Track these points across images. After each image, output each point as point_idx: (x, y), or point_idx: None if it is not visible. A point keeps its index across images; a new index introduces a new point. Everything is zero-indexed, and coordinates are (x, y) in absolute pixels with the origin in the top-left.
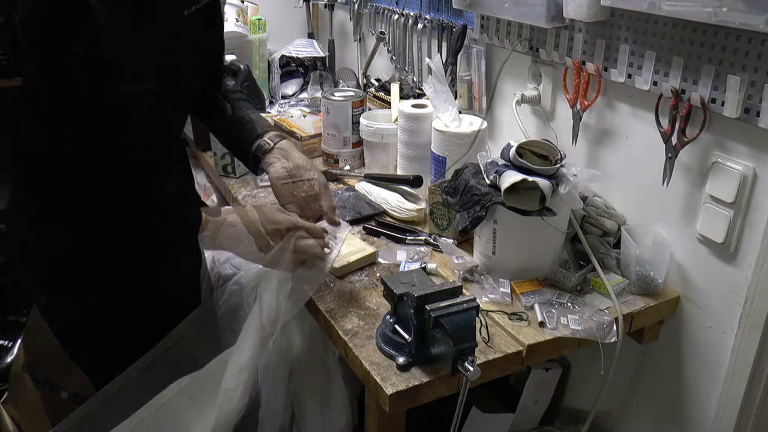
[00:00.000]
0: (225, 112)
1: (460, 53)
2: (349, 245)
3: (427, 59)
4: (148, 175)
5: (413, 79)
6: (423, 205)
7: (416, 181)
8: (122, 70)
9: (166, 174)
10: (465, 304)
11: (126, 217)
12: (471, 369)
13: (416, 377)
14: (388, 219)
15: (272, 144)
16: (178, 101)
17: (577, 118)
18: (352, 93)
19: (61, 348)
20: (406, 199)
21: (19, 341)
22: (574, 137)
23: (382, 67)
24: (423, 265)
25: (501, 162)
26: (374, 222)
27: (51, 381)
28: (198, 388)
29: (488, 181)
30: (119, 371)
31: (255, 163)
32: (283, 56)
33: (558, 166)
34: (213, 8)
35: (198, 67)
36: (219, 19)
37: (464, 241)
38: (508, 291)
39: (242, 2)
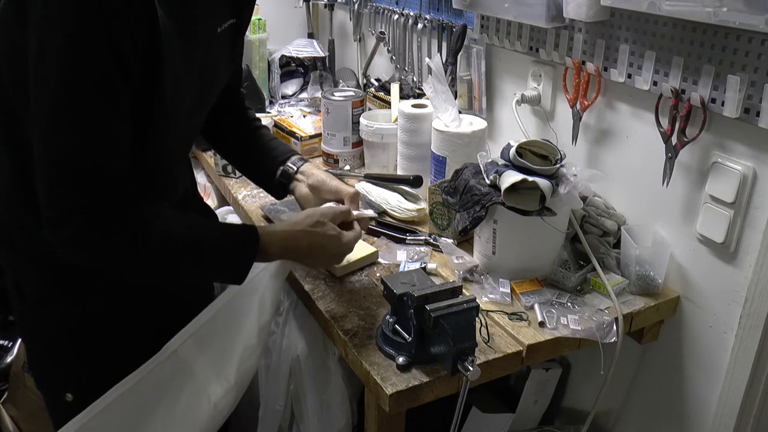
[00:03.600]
0: (248, 140)
1: (460, 53)
2: None
3: (427, 59)
4: (161, 180)
5: (413, 79)
6: (423, 205)
7: (416, 181)
8: (171, 86)
9: (177, 179)
10: (465, 304)
11: None
12: (471, 369)
13: (416, 377)
14: (388, 219)
15: (295, 168)
16: (202, 116)
17: (577, 118)
18: (352, 93)
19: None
20: (406, 199)
21: (19, 341)
22: (574, 137)
23: (382, 67)
24: (423, 265)
25: (501, 162)
26: (374, 222)
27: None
28: (208, 335)
29: (488, 181)
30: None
31: (280, 188)
32: (283, 56)
33: (558, 166)
34: (239, 28)
35: (222, 83)
36: (242, 39)
37: (464, 241)
38: (508, 291)
39: None
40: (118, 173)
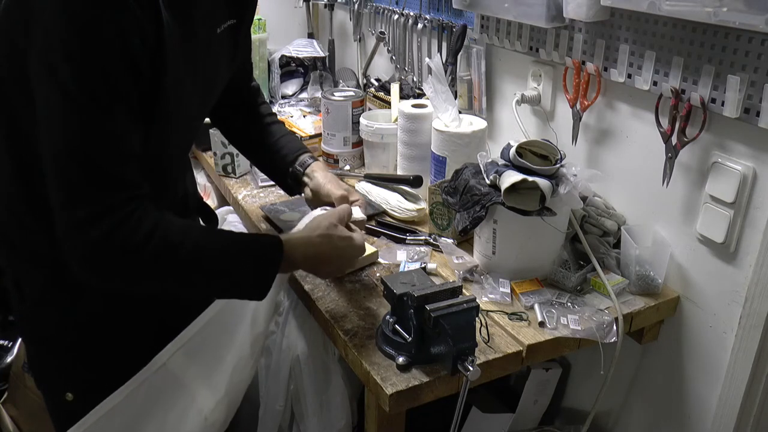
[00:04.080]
0: (259, 138)
1: (460, 53)
2: None
3: (427, 59)
4: (161, 180)
5: (413, 79)
6: (423, 205)
7: (416, 181)
8: (173, 87)
9: (177, 179)
10: (465, 304)
11: None
12: (471, 369)
13: (416, 377)
14: (388, 219)
15: (302, 170)
16: (203, 116)
17: (577, 118)
18: (352, 93)
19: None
20: (406, 199)
21: (19, 341)
22: (574, 137)
23: (382, 67)
24: (423, 265)
25: (501, 162)
26: (374, 222)
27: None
28: (198, 347)
29: (488, 181)
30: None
31: (294, 189)
32: (283, 56)
33: (558, 166)
34: (239, 28)
35: (222, 83)
36: (245, 38)
37: (464, 241)
38: (508, 291)
39: None
40: (136, 175)
